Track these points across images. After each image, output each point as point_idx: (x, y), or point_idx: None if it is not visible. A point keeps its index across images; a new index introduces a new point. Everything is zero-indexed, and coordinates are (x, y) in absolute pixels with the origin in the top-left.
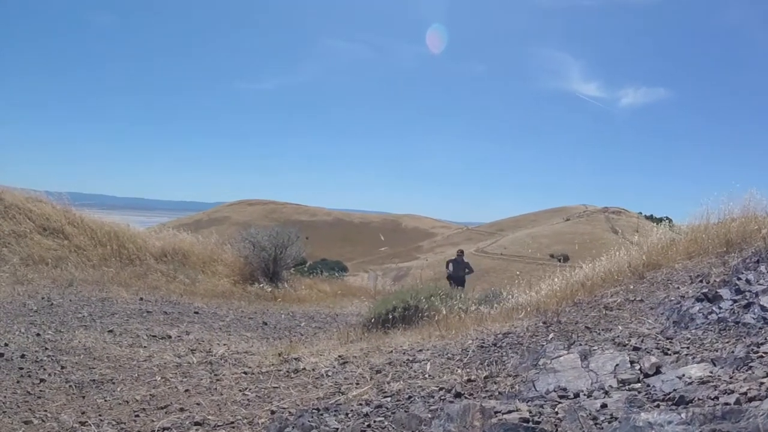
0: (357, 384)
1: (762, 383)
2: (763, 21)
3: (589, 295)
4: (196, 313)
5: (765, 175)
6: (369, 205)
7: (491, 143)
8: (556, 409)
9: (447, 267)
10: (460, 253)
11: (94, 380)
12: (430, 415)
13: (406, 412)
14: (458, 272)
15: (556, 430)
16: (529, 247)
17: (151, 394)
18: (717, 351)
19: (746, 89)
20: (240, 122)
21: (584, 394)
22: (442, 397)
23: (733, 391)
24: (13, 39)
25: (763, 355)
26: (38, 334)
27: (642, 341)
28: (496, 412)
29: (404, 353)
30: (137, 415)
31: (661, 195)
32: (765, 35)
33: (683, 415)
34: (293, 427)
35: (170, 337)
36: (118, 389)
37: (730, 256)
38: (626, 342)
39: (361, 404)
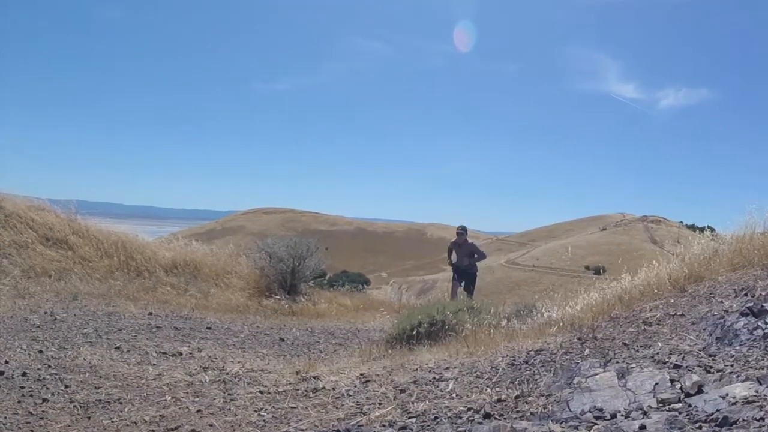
0: (380, 404)
1: None
2: None
3: (627, 309)
4: (209, 328)
5: None
6: (392, 213)
7: (522, 148)
8: (591, 431)
9: (449, 256)
10: (461, 230)
11: (100, 400)
12: None
13: None
14: (462, 260)
15: None
16: (562, 259)
17: (160, 415)
18: (763, 369)
19: None
20: (256, 126)
21: (621, 415)
22: (471, 418)
23: None
24: (14, 36)
25: None
26: (41, 351)
27: (683, 358)
28: None
29: (430, 371)
30: None
31: (704, 203)
32: None
33: None
34: None
35: (181, 354)
36: (126, 409)
37: None
38: (666, 359)
39: (384, 425)
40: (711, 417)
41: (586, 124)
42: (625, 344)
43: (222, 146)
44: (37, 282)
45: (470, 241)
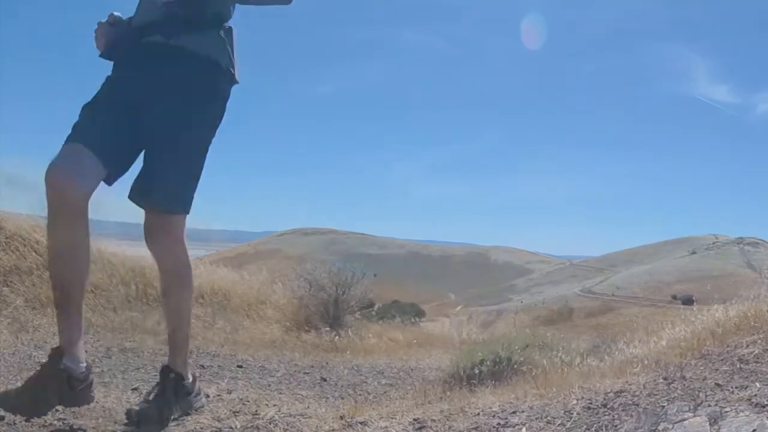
0: None
1: None
2: None
3: (720, 345)
4: (240, 366)
5: None
6: (450, 235)
7: (598, 159)
8: None
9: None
10: None
11: None
12: None
13: None
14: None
15: None
16: (646, 287)
17: None
18: None
19: None
20: (293, 133)
21: None
22: None
23: None
24: (11, 31)
25: None
26: None
27: None
28: None
29: (494, 416)
30: None
31: None
32: None
33: None
34: None
35: (208, 396)
36: None
37: None
38: (765, 402)
39: None
40: None
41: (671, 133)
42: (718, 385)
43: (256, 157)
44: (42, 313)
45: None
